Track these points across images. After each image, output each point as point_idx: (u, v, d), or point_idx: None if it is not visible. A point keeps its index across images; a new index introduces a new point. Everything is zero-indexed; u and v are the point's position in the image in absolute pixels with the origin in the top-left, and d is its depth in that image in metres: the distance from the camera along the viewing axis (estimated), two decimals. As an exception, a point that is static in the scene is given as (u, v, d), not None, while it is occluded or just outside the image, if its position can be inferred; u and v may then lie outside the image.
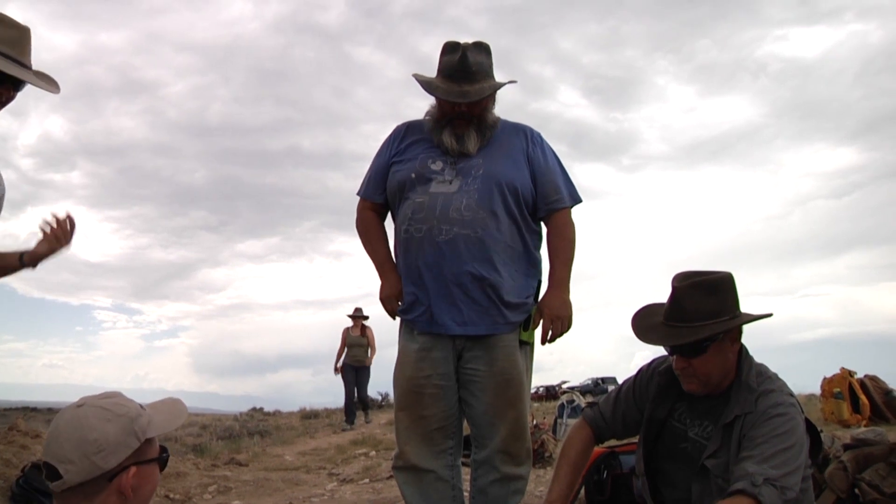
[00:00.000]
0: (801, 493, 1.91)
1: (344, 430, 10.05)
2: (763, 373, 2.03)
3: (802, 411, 1.96)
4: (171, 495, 5.04)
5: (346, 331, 10.77)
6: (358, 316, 10.75)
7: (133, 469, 1.38)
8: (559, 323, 2.52)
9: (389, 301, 2.66)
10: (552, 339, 2.55)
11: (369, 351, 10.71)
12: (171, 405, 1.56)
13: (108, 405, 1.40)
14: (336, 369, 10.59)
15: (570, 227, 2.62)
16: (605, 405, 2.33)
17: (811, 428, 2.00)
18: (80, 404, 1.40)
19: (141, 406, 1.45)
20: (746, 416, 1.93)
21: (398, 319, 2.69)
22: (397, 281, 2.65)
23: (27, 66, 2.07)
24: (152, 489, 1.46)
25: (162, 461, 1.48)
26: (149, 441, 1.42)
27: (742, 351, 2.07)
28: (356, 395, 10.61)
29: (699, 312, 1.98)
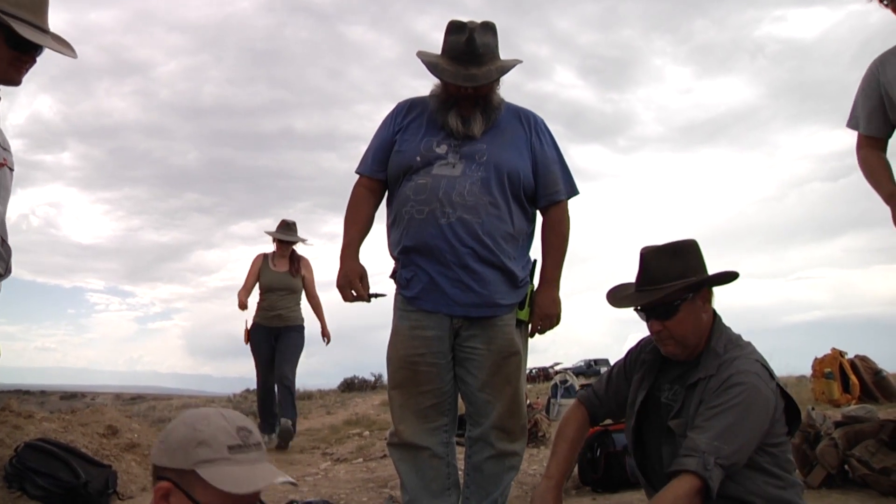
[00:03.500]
0: (779, 458, 1.98)
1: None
2: (732, 340, 2.08)
3: (773, 376, 2.00)
4: (166, 475, 5.04)
5: (262, 260, 6.17)
6: (287, 239, 6.15)
7: (167, 485, 1.27)
8: (548, 321, 2.63)
9: (348, 282, 2.56)
10: (541, 332, 2.67)
11: (304, 297, 6.26)
12: (267, 475, 1.34)
13: (207, 419, 1.31)
14: (243, 310, 6.02)
15: (565, 221, 2.67)
16: (598, 385, 2.37)
17: (785, 394, 2.04)
18: (222, 411, 1.35)
19: (242, 447, 1.30)
20: (710, 378, 1.98)
21: (385, 301, 2.67)
22: (358, 266, 2.60)
23: (46, 31, 2.05)
24: None
25: None
26: (203, 482, 1.26)
27: (715, 318, 2.12)
28: (276, 381, 6.09)
29: (666, 274, 2.07)
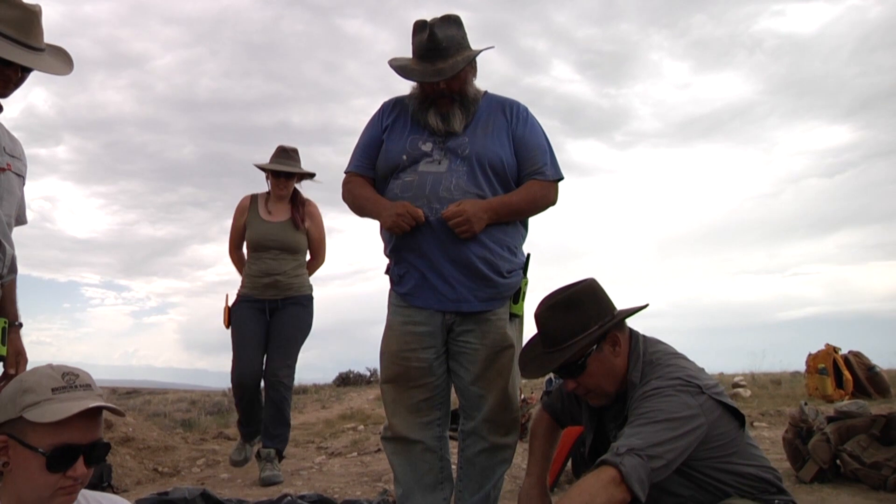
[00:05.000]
0: (742, 452, 1.93)
1: (235, 462, 4.52)
2: (651, 362, 2.00)
3: (697, 386, 1.89)
4: (160, 468, 5.06)
5: (248, 205, 4.41)
6: (286, 170, 4.32)
7: (2, 438, 1.37)
8: (462, 217, 2.39)
9: (403, 209, 2.43)
10: (447, 217, 2.41)
11: (308, 259, 4.45)
12: (87, 402, 1.41)
13: (32, 371, 1.44)
14: (227, 311, 4.31)
15: (541, 192, 2.57)
16: (554, 397, 2.37)
17: (724, 403, 1.93)
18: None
19: (65, 388, 1.39)
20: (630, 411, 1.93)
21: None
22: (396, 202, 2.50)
23: (35, 48, 2.09)
24: (33, 484, 1.36)
25: (48, 458, 1.35)
26: (32, 424, 1.35)
27: (631, 349, 2.04)
28: (263, 379, 4.24)
29: (565, 332, 1.99)
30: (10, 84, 2.09)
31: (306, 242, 4.41)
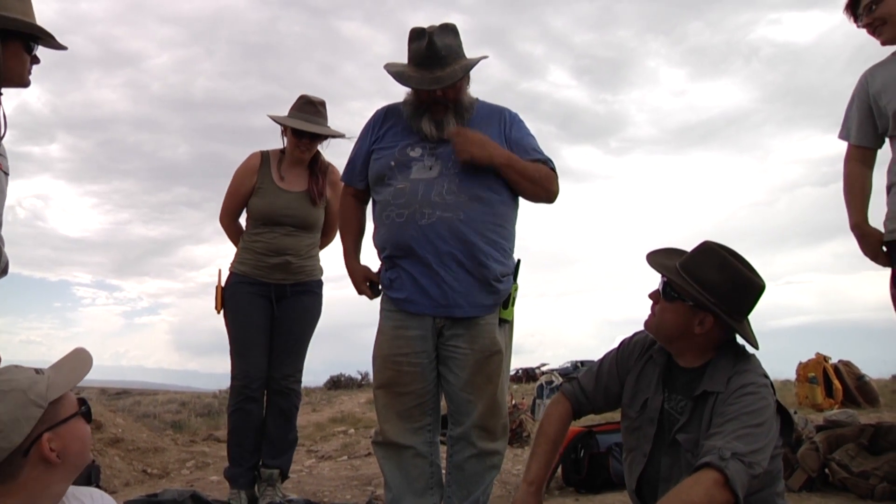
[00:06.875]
0: (768, 474, 1.92)
1: None
2: (741, 354, 2.04)
3: (775, 393, 1.97)
4: (149, 470, 5.04)
5: (259, 166, 3.51)
6: (314, 130, 3.42)
7: (46, 436, 1.36)
8: (465, 139, 2.48)
9: (356, 284, 2.78)
10: (453, 135, 2.51)
11: (318, 237, 3.64)
12: (73, 359, 1.52)
13: (7, 375, 1.39)
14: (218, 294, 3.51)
15: (547, 172, 2.61)
16: (586, 378, 2.30)
17: (782, 410, 2.00)
18: None
19: (37, 370, 1.43)
20: (718, 395, 1.94)
21: (378, 302, 2.71)
22: (360, 267, 2.80)
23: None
24: (82, 445, 1.44)
25: (83, 415, 1.46)
26: (56, 403, 1.39)
27: (730, 344, 2.06)
28: (271, 388, 3.51)
29: (699, 276, 2.00)
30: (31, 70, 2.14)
31: (322, 218, 3.61)
